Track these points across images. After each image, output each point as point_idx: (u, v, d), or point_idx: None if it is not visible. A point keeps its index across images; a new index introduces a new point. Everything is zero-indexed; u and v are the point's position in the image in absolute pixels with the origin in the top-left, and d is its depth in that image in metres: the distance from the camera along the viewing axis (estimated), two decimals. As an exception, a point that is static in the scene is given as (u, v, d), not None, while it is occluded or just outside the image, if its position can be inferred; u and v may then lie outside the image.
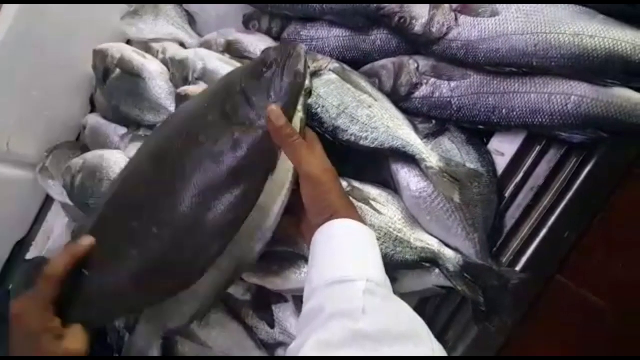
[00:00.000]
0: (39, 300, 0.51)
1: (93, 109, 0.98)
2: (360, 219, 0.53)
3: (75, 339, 0.52)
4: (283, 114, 0.53)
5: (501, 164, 0.67)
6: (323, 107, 0.68)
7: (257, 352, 0.69)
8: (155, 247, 0.52)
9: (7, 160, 0.91)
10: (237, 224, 0.52)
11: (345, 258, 0.48)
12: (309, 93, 0.59)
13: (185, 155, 0.55)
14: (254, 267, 0.63)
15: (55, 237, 0.94)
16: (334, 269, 0.47)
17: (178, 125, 0.61)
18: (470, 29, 0.64)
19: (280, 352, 0.70)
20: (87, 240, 0.54)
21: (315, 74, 0.70)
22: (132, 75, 0.81)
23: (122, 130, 0.87)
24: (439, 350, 0.40)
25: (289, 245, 0.64)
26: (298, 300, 0.70)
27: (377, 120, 0.66)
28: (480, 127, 0.66)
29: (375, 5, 0.69)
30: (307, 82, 0.57)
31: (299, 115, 0.56)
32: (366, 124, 0.66)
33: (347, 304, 0.42)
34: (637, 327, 0.67)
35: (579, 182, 0.64)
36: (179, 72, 0.77)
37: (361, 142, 0.66)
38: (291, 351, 0.42)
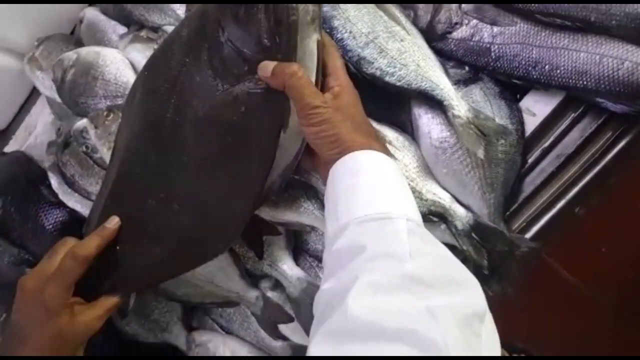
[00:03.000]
0: (62, 279, 0.51)
1: (92, 2, 0.89)
2: (387, 150, 0.48)
3: (93, 314, 0.52)
4: (272, 66, 0.45)
5: (530, 125, 0.62)
6: (350, 32, 0.61)
7: (240, 280, 0.66)
8: (181, 222, 0.52)
9: (-5, 46, 0.83)
10: (257, 190, 0.49)
11: (378, 193, 0.43)
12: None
13: (183, 126, 0.50)
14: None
15: (37, 133, 0.88)
16: (366, 204, 0.42)
17: (162, 87, 0.52)
18: (529, -33, 0.57)
19: (264, 284, 0.67)
20: (114, 221, 0.54)
21: (347, -8, 0.63)
22: (141, -32, 0.73)
23: (122, 29, 0.80)
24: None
25: (298, 174, 0.60)
26: (291, 234, 0.66)
27: (408, 56, 0.60)
28: (517, 81, 0.60)
29: None
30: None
31: (315, 37, 0.48)
32: (395, 59, 0.60)
33: (392, 244, 0.38)
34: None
35: (609, 156, 0.60)
36: (194, -30, 0.69)
37: (387, 78, 0.60)
38: (334, 290, 0.38)
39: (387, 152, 0.48)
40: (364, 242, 0.39)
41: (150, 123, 0.53)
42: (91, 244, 0.52)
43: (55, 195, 0.75)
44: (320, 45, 0.48)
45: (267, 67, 0.45)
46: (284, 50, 0.45)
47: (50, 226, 0.75)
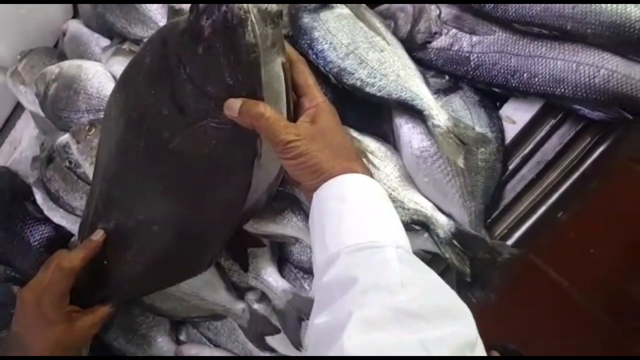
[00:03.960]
0: (56, 290, 0.54)
1: (76, 15, 0.89)
2: (368, 171, 0.48)
3: (88, 321, 0.56)
4: (238, 105, 0.44)
5: (510, 132, 0.62)
6: (331, 44, 0.61)
7: (226, 294, 0.66)
8: (161, 243, 0.54)
9: (-25, 59, 0.83)
10: (235, 212, 0.50)
11: (366, 221, 0.43)
12: (279, 17, 0.46)
13: (156, 156, 0.50)
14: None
15: (22, 148, 0.87)
16: (355, 233, 0.42)
17: (132, 114, 0.52)
18: (505, -22, 0.57)
19: (250, 297, 0.67)
20: (99, 234, 0.57)
21: (326, 6, 0.63)
22: (122, -19, 0.72)
23: (105, 42, 0.79)
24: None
25: (282, 186, 0.60)
26: (275, 246, 0.67)
27: (388, 66, 0.60)
28: (496, 89, 0.61)
29: (404, -64, 0.62)
30: (273, 6, 0.44)
31: (279, 60, 0.46)
32: (375, 69, 0.60)
33: (383, 275, 0.39)
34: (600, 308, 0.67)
35: (588, 162, 0.61)
36: (175, -17, 0.69)
37: (367, 89, 0.61)
38: (328, 326, 0.38)
39: (369, 173, 0.48)
40: (356, 274, 0.39)
41: (124, 149, 0.53)
42: (76, 256, 0.56)
43: (40, 211, 0.75)
44: (287, 67, 0.47)
45: (233, 105, 0.44)
46: (248, 88, 0.44)
47: (36, 242, 0.75)
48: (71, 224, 0.73)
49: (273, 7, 0.44)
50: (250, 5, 0.42)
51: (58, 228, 0.75)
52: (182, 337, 0.73)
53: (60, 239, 0.75)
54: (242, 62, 0.43)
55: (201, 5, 0.43)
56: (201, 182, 0.49)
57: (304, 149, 0.45)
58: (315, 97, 0.49)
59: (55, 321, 0.54)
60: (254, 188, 0.50)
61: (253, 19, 0.42)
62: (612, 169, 0.65)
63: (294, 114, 0.49)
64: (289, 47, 0.49)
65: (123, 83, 0.56)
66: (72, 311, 0.56)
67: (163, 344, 0.70)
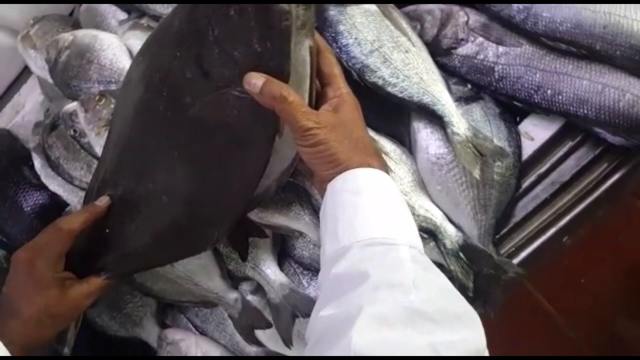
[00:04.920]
0: (51, 251, 0.52)
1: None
2: (385, 167, 0.47)
3: (82, 290, 0.53)
4: (262, 80, 0.42)
5: (528, 149, 0.61)
6: (356, 39, 0.60)
7: (220, 281, 0.64)
8: (169, 215, 0.52)
9: (-12, 20, 0.81)
10: (248, 192, 0.48)
11: (382, 216, 0.42)
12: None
13: (175, 121, 0.49)
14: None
15: (25, 112, 0.85)
16: (369, 227, 0.41)
17: (154, 78, 0.50)
18: (539, -9, 0.57)
19: (245, 287, 0.65)
20: (104, 200, 0.55)
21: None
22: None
23: (123, 15, 0.78)
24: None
25: (293, 177, 0.58)
26: (278, 238, 0.65)
27: (412, 68, 0.59)
28: (518, 103, 0.60)
29: (441, -62, 0.61)
30: None
31: (306, 44, 0.45)
32: (399, 70, 0.59)
33: (396, 273, 0.38)
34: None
35: (602, 189, 0.60)
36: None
37: (389, 89, 0.59)
38: (336, 319, 0.37)
39: (386, 169, 0.47)
40: (368, 269, 0.38)
41: (143, 112, 0.52)
42: (76, 218, 0.54)
43: (37, 177, 0.73)
44: (314, 52, 0.46)
45: (254, 80, 0.42)
46: (276, 58, 0.43)
47: (29, 208, 0.73)
48: (67, 194, 0.71)
49: None
50: None
51: (53, 196, 0.73)
52: (168, 321, 0.71)
53: (53, 207, 0.73)
54: (273, 28, 0.41)
55: None
56: (218, 154, 0.48)
57: (322, 137, 0.44)
58: (340, 87, 0.48)
59: (47, 285, 0.51)
60: (266, 173, 0.48)
61: None
62: (619, 201, 0.65)
63: (316, 103, 0.48)
64: (317, 35, 0.48)
65: (148, 46, 0.54)
66: (67, 278, 0.53)
67: (147, 325, 0.68)
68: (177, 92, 0.48)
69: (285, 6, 0.41)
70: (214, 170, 0.48)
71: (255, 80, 0.42)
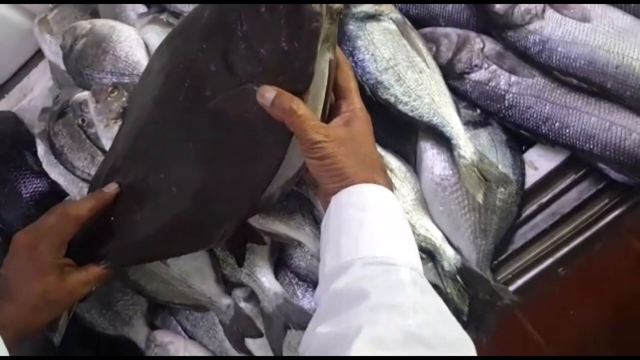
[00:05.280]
0: (55, 236, 0.52)
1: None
2: (391, 185, 0.47)
3: (80, 278, 0.52)
4: (274, 93, 0.43)
5: (531, 178, 0.62)
6: (372, 55, 0.61)
7: (214, 285, 0.63)
8: (176, 207, 0.51)
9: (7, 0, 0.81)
10: (257, 191, 0.48)
11: (385, 235, 0.43)
12: (338, 15, 0.46)
13: (194, 112, 0.48)
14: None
15: (33, 96, 0.85)
16: (372, 245, 0.41)
17: (177, 68, 0.51)
18: (555, 26, 0.58)
19: (238, 293, 0.65)
20: (113, 187, 0.54)
21: (374, 17, 0.63)
22: (173, -48, 0.72)
23: (142, 8, 0.78)
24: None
25: (297, 185, 0.58)
26: (276, 246, 0.65)
27: (424, 89, 0.60)
28: (525, 133, 0.61)
29: (463, -33, 0.63)
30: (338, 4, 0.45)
31: (327, 57, 0.46)
32: (411, 89, 0.60)
33: (396, 295, 0.38)
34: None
35: (602, 224, 0.61)
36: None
37: (400, 106, 0.60)
38: (333, 337, 0.37)
39: (391, 187, 0.47)
40: (368, 288, 0.38)
41: (162, 101, 0.52)
42: (84, 204, 0.53)
43: (39, 163, 0.72)
44: (333, 65, 0.47)
45: (266, 94, 0.43)
46: (302, 59, 0.43)
47: (28, 195, 0.72)
48: (67, 183, 0.71)
49: (336, 3, 0.44)
50: None
51: (53, 185, 0.72)
52: (158, 323, 0.70)
53: (52, 195, 0.72)
54: (302, 28, 0.42)
55: None
56: (233, 149, 0.47)
57: (330, 151, 0.44)
58: (354, 102, 0.48)
59: (46, 270, 0.50)
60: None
61: None
62: (616, 237, 0.65)
63: (329, 115, 0.48)
64: (338, 49, 0.49)
65: (173, 36, 0.55)
66: (66, 264, 0.52)
67: (137, 325, 0.67)
68: (199, 84, 0.48)
69: (316, 7, 0.42)
70: (228, 164, 0.48)
71: (269, 94, 0.43)
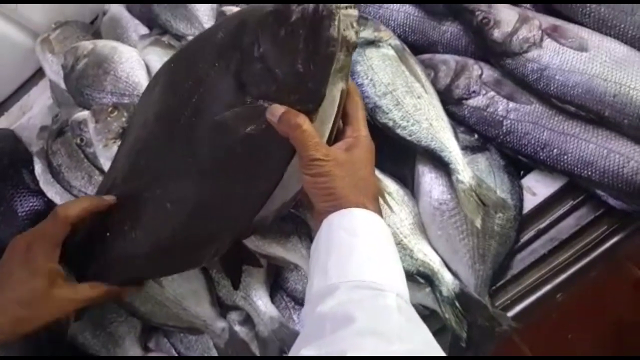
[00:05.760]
0: (47, 236, 0.52)
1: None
2: (380, 211, 0.47)
3: (68, 294, 0.52)
4: (283, 110, 0.44)
5: (529, 204, 0.62)
6: (371, 80, 0.62)
7: (209, 308, 0.63)
8: (170, 224, 0.51)
9: (11, 19, 0.82)
10: (252, 210, 0.48)
11: (374, 261, 0.43)
12: (354, 48, 0.48)
13: (198, 127, 0.49)
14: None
15: (32, 115, 0.85)
16: (360, 269, 0.42)
17: (186, 84, 0.51)
18: (553, 55, 0.59)
19: (233, 317, 0.64)
20: (110, 197, 0.54)
21: (373, 43, 0.64)
22: (177, -24, 0.73)
23: (144, 30, 0.79)
24: None
25: (294, 208, 0.58)
26: (272, 269, 0.64)
27: (422, 113, 0.60)
28: (523, 158, 0.61)
29: (462, -5, 0.64)
30: (353, 36, 0.46)
31: (340, 86, 0.47)
32: (409, 114, 0.60)
33: (381, 321, 0.38)
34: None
35: (600, 250, 0.61)
36: (230, -11, 0.69)
37: (398, 131, 0.60)
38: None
39: (380, 213, 0.47)
40: (353, 313, 0.38)
41: (165, 117, 0.52)
42: (74, 205, 0.53)
43: (36, 182, 0.72)
44: (344, 94, 0.48)
45: (275, 111, 0.45)
46: (316, 80, 0.45)
47: (23, 213, 0.71)
48: (64, 202, 0.70)
49: (352, 37, 0.46)
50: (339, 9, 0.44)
51: (49, 203, 0.72)
52: (151, 345, 0.69)
53: (48, 214, 0.71)
54: (319, 52, 0.44)
55: None
56: (233, 164, 0.48)
57: (326, 169, 0.45)
58: (360, 129, 0.49)
59: (38, 273, 0.50)
60: (267, 201, 0.48)
61: (340, 16, 0.44)
62: (615, 264, 0.65)
63: (334, 139, 0.49)
64: (350, 80, 0.50)
65: (181, 54, 0.55)
66: (58, 274, 0.52)
67: (130, 347, 0.66)
68: (208, 99, 0.48)
69: (334, 33, 0.43)
70: (227, 179, 0.48)
71: (276, 111, 0.44)
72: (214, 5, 0.72)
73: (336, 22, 0.43)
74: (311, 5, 0.44)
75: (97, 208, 0.53)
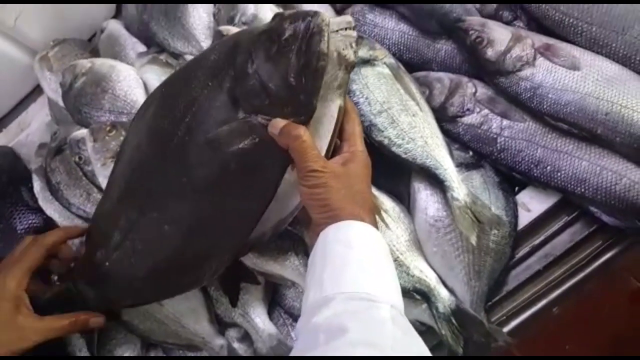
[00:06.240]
0: (19, 263, 0.54)
1: (117, 15, 0.90)
2: (376, 224, 0.48)
3: (32, 324, 0.52)
4: (284, 123, 0.46)
5: (524, 220, 0.62)
6: (367, 98, 0.62)
7: (208, 325, 0.63)
8: (167, 245, 0.52)
9: (9, 36, 0.82)
10: (248, 227, 0.49)
11: (369, 272, 0.43)
12: (352, 67, 0.50)
13: (191, 145, 0.50)
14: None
15: (30, 132, 0.86)
16: (355, 281, 0.42)
17: (178, 106, 0.52)
18: (545, 73, 0.59)
19: (232, 334, 0.64)
20: (84, 227, 0.58)
21: (369, 62, 0.64)
22: (175, -5, 0.74)
23: (142, 47, 0.80)
24: None
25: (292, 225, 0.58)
26: (270, 286, 0.64)
27: (417, 131, 0.61)
28: (517, 175, 0.62)
29: (455, 15, 0.65)
30: (352, 55, 0.48)
31: (338, 102, 0.49)
32: (405, 132, 0.61)
33: (374, 333, 0.38)
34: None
35: (594, 266, 0.61)
36: (226, 9, 0.70)
37: (393, 149, 0.61)
38: None
39: (377, 226, 0.48)
40: (347, 324, 0.38)
41: (158, 139, 0.53)
42: (51, 235, 0.56)
43: (34, 199, 0.73)
44: (342, 111, 0.49)
45: (277, 124, 0.46)
46: (308, 92, 0.46)
47: (22, 230, 0.72)
48: (63, 219, 0.71)
49: (351, 56, 0.47)
50: (328, 21, 0.47)
51: (48, 221, 0.73)
52: (150, 362, 0.69)
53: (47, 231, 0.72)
54: (310, 66, 0.45)
55: (286, 12, 0.48)
56: (227, 180, 0.48)
57: (323, 181, 0.46)
58: (356, 144, 0.50)
59: (4, 296, 0.51)
60: (264, 218, 0.49)
61: (329, 32, 0.46)
62: (610, 277, 0.66)
63: (332, 155, 0.50)
64: (347, 98, 0.51)
65: (174, 77, 0.56)
66: (25, 305, 0.52)
67: (128, 365, 0.66)
68: (201, 118, 0.49)
69: (324, 48, 0.45)
70: (222, 196, 0.49)
71: (279, 124, 0.46)
72: (211, 24, 0.73)
73: (325, 37, 0.45)
74: (302, 23, 0.46)
75: (71, 236, 0.57)
